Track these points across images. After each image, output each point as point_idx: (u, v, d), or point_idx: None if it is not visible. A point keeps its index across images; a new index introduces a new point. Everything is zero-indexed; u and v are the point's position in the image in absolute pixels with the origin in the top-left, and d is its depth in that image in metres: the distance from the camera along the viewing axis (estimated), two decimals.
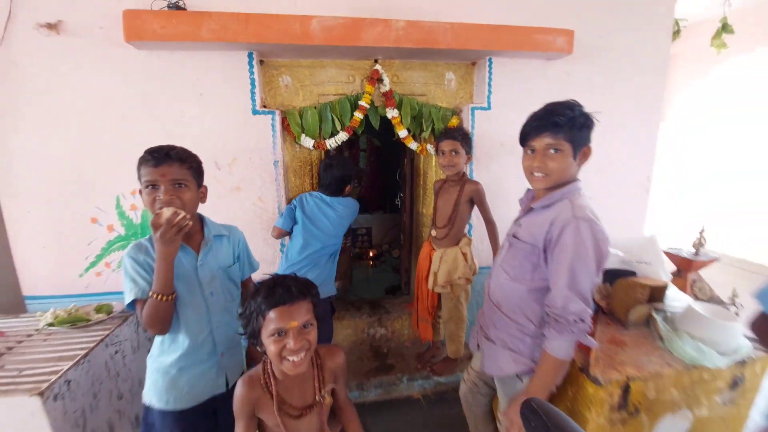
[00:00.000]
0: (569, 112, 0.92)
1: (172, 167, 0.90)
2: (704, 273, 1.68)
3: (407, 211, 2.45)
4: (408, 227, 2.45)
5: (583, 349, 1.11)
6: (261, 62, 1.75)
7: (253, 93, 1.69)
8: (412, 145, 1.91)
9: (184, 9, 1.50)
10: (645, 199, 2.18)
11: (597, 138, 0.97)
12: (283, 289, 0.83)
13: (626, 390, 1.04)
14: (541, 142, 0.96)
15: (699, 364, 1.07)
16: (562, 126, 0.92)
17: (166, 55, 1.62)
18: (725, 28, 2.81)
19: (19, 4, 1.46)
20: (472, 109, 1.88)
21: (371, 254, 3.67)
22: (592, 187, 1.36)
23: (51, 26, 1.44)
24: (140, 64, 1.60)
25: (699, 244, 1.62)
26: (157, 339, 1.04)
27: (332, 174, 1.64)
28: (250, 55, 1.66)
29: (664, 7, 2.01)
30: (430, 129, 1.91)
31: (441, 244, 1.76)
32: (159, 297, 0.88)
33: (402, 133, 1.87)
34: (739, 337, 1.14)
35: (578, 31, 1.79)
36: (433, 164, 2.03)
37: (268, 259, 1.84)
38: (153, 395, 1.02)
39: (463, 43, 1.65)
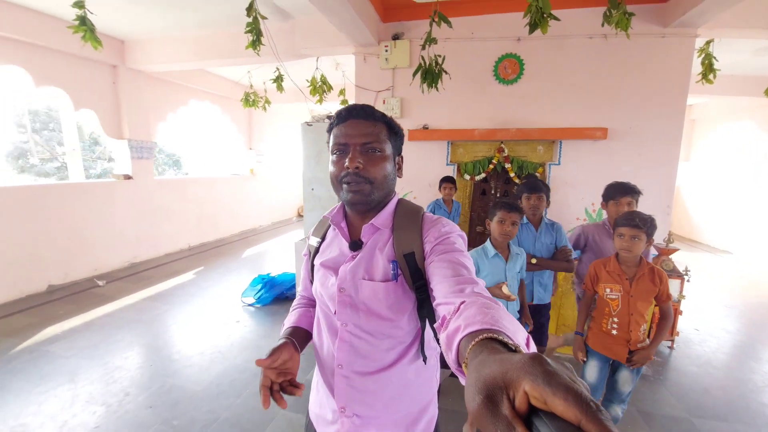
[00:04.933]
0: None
1: None
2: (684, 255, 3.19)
3: None
4: None
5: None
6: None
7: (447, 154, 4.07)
8: (516, 180, 3.94)
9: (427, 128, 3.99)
10: (668, 220, 3.57)
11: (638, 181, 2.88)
12: None
13: None
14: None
15: None
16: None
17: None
18: None
19: None
20: (549, 165, 3.78)
21: None
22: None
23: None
24: None
25: (667, 241, 3.15)
26: None
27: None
28: (448, 143, 4.04)
29: (678, 99, 3.45)
30: (526, 172, 3.90)
31: None
32: None
33: (512, 174, 3.92)
34: None
35: (611, 125, 3.51)
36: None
37: None
38: None
39: (544, 136, 3.63)
